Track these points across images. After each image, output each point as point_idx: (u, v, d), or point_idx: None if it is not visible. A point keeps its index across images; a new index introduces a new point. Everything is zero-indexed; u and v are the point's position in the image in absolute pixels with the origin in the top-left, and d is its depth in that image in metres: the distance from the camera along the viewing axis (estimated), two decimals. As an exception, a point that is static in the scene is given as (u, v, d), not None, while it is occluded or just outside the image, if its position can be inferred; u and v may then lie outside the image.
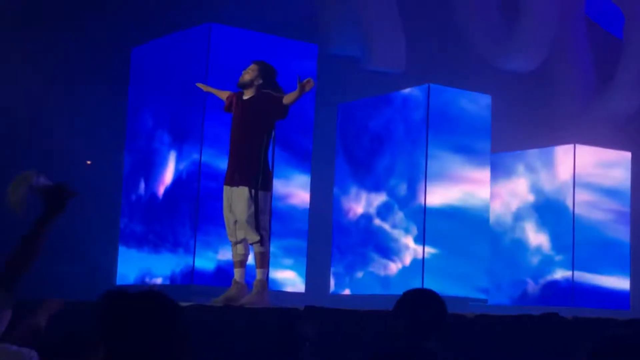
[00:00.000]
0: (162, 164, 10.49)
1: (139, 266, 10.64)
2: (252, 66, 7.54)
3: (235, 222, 7.27)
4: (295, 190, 10.28)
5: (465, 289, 10.80)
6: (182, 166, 10.16)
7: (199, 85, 8.23)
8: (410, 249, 10.86)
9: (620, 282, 12.07)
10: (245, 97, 7.51)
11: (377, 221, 11.34)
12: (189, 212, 9.91)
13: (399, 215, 11.04)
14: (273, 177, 7.48)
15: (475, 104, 11.05)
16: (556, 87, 13.99)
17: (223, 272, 9.62)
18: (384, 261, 11.16)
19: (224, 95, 7.82)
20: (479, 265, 10.90)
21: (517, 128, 12.83)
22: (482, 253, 10.96)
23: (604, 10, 14.32)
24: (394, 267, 11.03)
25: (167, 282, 10.10)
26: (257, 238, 7.17)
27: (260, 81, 7.46)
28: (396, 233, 11.06)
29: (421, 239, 10.71)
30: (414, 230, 10.83)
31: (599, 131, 13.37)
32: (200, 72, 9.97)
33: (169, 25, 10.89)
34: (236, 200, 7.24)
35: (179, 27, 10.62)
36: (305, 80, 7.26)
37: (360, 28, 12.74)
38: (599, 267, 11.90)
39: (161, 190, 10.47)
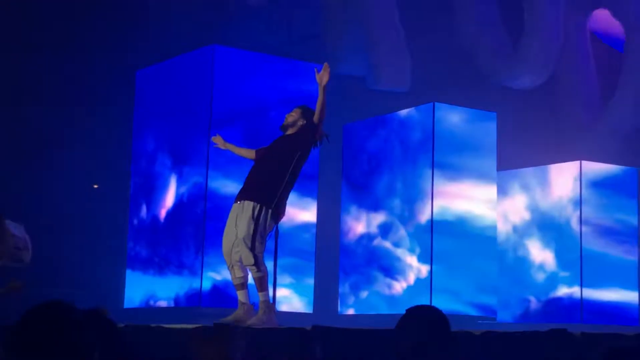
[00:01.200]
0: (165, 187, 10.53)
1: (144, 289, 10.67)
2: (296, 109, 7.66)
3: (233, 241, 7.24)
4: (301, 211, 10.29)
5: (473, 307, 10.80)
6: (185, 189, 10.20)
7: (216, 143, 8.03)
8: (414, 267, 10.87)
9: (629, 297, 12.05)
10: (286, 134, 7.59)
11: (384, 242, 11.34)
12: (193, 235, 9.93)
13: (403, 235, 11.05)
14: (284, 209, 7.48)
15: (481, 121, 11.07)
16: (562, 103, 14.00)
17: (228, 294, 9.66)
18: (388, 280, 11.17)
19: (249, 153, 7.78)
20: (486, 283, 10.89)
21: (523, 145, 12.83)
22: (489, 271, 10.95)
23: (606, 25, 14.34)
24: (398, 287, 11.01)
25: (173, 305, 10.11)
26: (252, 261, 7.13)
27: (304, 122, 7.54)
28: (400, 252, 11.06)
29: (424, 258, 10.74)
30: (418, 249, 10.86)
31: (605, 147, 13.36)
32: (205, 94, 10.00)
33: (174, 48, 10.94)
34: (240, 215, 7.23)
35: (184, 49, 10.67)
36: (322, 70, 7.36)
37: (366, 47, 12.78)
38: (606, 283, 11.88)
39: (164, 213, 10.51)
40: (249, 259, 7.12)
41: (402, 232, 11.07)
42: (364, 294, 11.43)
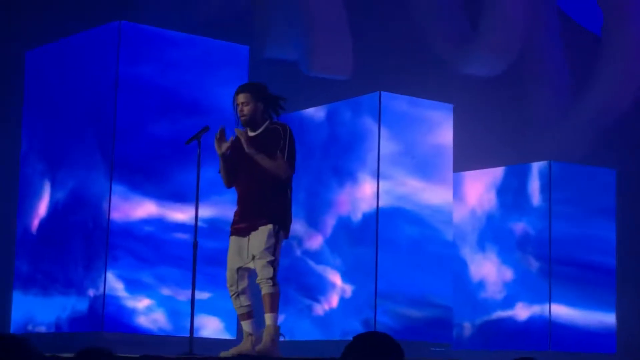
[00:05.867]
0: (42, 192, 10.28)
1: (23, 312, 10.39)
2: (242, 95, 7.43)
3: (239, 269, 7.42)
4: (223, 210, 10.00)
5: (425, 332, 10.62)
6: (74, 193, 9.90)
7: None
8: (338, 286, 10.78)
9: (604, 319, 12.06)
10: (252, 134, 7.46)
11: (303, 255, 11.19)
12: (82, 249, 9.67)
13: (325, 247, 10.90)
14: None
15: (435, 114, 10.91)
16: (527, 94, 14.07)
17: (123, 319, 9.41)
18: (308, 301, 11.11)
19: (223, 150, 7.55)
20: (441, 304, 10.72)
21: (483, 142, 12.84)
22: (444, 289, 10.77)
23: (580, 2, 14.46)
24: (319, 309, 10.85)
25: (53, 330, 9.87)
26: (271, 273, 7.27)
27: (261, 105, 7.44)
28: (321, 268, 10.88)
29: (351, 275, 10.62)
30: (345, 265, 10.71)
31: (575, 145, 13.41)
32: (109, 78, 9.65)
33: (72, 24, 10.67)
34: (256, 238, 7.33)
35: (84, 26, 10.41)
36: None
37: (300, 27, 12.69)
38: (578, 303, 11.88)
39: (48, 222, 10.29)
40: (268, 271, 7.27)
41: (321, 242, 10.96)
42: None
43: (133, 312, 9.49)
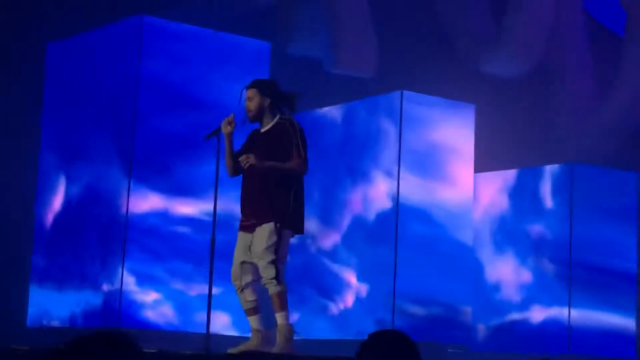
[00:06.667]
0: (58, 186, 10.26)
1: (39, 305, 10.35)
2: (251, 91, 7.45)
3: (243, 264, 7.37)
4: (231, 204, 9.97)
5: (442, 333, 10.59)
6: (94, 187, 9.87)
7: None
8: (353, 286, 10.71)
9: (623, 324, 11.98)
10: (262, 130, 7.45)
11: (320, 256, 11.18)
12: (97, 245, 9.64)
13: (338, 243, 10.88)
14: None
15: (456, 114, 10.87)
16: (550, 95, 13.98)
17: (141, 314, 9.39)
18: (323, 301, 11.07)
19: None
20: (459, 303, 10.69)
21: (503, 143, 12.78)
22: (462, 290, 10.74)
23: (603, 3, 14.37)
24: (337, 307, 10.83)
25: (67, 325, 9.80)
26: (273, 273, 7.20)
27: (268, 100, 7.39)
28: (336, 267, 10.89)
29: (370, 272, 10.57)
30: (365, 262, 10.66)
31: (599, 148, 13.33)
32: (130, 73, 9.64)
33: (96, 18, 10.64)
34: (257, 236, 7.29)
35: (106, 20, 10.40)
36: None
37: (325, 25, 12.65)
38: (596, 306, 11.80)
39: (52, 218, 10.27)
40: (270, 271, 7.24)
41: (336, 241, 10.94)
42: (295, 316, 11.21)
43: (146, 307, 9.43)
